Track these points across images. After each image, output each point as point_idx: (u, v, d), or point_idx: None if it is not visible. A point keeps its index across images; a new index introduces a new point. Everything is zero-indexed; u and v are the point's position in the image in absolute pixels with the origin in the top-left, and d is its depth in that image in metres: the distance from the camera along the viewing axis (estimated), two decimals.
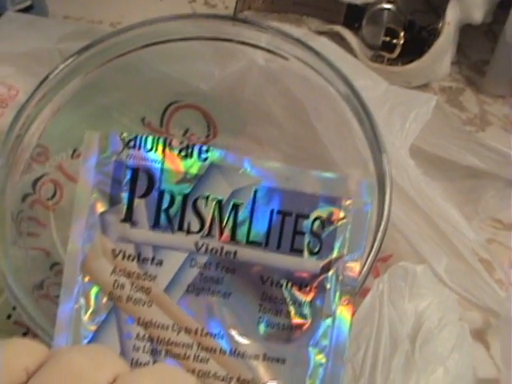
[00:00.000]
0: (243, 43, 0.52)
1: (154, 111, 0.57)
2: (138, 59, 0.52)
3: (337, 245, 0.41)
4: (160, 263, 0.41)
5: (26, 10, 0.68)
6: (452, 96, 0.65)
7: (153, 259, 0.41)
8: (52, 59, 0.59)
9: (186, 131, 0.58)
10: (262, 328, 0.40)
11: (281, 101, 0.54)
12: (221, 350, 0.40)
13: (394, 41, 0.63)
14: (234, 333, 0.40)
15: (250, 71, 0.53)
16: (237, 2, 0.64)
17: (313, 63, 0.50)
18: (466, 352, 0.46)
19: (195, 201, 0.41)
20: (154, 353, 0.39)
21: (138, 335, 0.40)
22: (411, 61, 0.63)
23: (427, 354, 0.45)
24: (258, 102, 0.54)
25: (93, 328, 0.40)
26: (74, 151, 0.55)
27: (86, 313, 0.40)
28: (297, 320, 0.41)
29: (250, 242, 0.41)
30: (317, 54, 0.50)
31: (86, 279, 0.40)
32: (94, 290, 0.40)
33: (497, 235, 0.59)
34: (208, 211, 0.41)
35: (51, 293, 0.50)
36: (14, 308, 0.50)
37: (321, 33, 0.66)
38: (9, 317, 0.50)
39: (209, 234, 0.41)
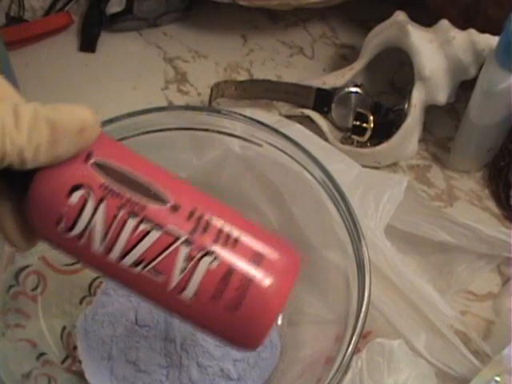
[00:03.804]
0: (219, 132, 0.54)
1: None
2: None
3: None
4: None
5: None
6: (420, 173, 0.67)
7: None
8: None
9: None
10: None
11: (258, 186, 0.56)
12: None
13: (364, 125, 0.65)
14: None
15: (226, 159, 0.55)
16: (211, 91, 0.66)
17: (287, 149, 0.52)
18: None
19: None
20: None
21: None
22: (380, 142, 0.65)
23: None
24: (234, 187, 0.56)
25: None
26: None
27: None
28: None
29: None
30: (290, 140, 0.52)
31: None
32: None
33: (470, 307, 0.61)
34: None
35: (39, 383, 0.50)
36: None
37: (291, 117, 0.68)
38: None
39: None
